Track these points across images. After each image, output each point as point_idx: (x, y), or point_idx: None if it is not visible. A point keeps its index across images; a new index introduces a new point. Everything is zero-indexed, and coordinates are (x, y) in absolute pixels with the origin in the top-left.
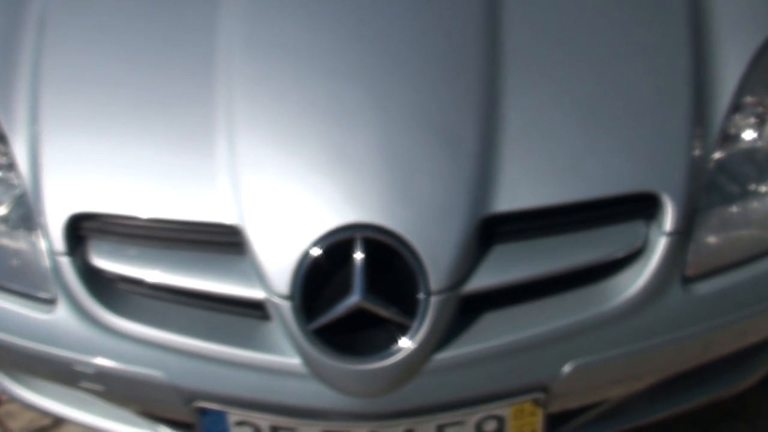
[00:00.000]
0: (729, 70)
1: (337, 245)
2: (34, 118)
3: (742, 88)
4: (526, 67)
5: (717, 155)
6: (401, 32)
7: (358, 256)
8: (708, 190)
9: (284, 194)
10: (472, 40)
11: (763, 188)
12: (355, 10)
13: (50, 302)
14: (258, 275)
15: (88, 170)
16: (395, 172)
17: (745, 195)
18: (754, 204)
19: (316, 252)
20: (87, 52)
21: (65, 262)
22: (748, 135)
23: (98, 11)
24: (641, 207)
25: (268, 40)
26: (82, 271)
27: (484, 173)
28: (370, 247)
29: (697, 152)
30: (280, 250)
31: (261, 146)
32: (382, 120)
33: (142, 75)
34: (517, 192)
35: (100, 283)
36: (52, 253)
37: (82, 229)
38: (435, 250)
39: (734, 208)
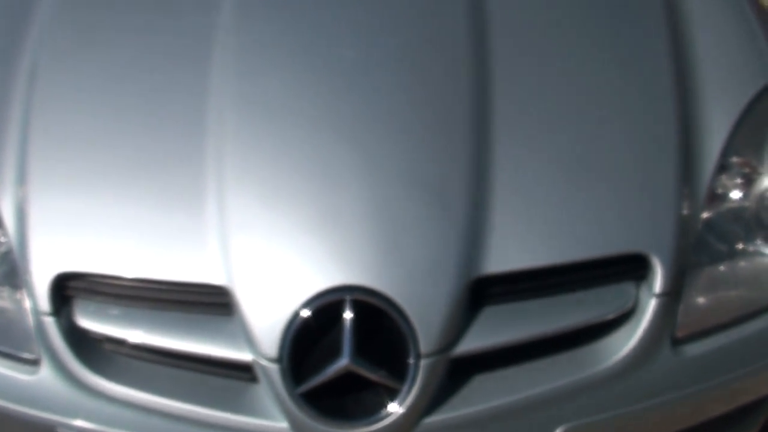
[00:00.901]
0: (715, 130)
1: (326, 307)
2: (22, 176)
3: (728, 149)
4: (514, 127)
5: (705, 215)
6: (390, 90)
7: (347, 318)
8: (697, 250)
9: (273, 255)
10: (461, 98)
11: (750, 248)
12: (345, 68)
13: (34, 363)
14: (246, 337)
15: (75, 229)
16: (384, 233)
17: (733, 255)
18: (743, 264)
19: (305, 314)
20: (77, 109)
21: (50, 322)
22: (735, 195)
23: (90, 66)
24: (631, 268)
25: (257, 99)
26: (67, 331)
27: (473, 234)
28: (360, 309)
29: (685, 212)
30: (269, 311)
31: (250, 206)
32: (371, 180)
33: (132, 133)
34: (507, 253)
35: (85, 344)
36: (37, 313)
37: (68, 289)
38: (425, 313)
39: (723, 268)
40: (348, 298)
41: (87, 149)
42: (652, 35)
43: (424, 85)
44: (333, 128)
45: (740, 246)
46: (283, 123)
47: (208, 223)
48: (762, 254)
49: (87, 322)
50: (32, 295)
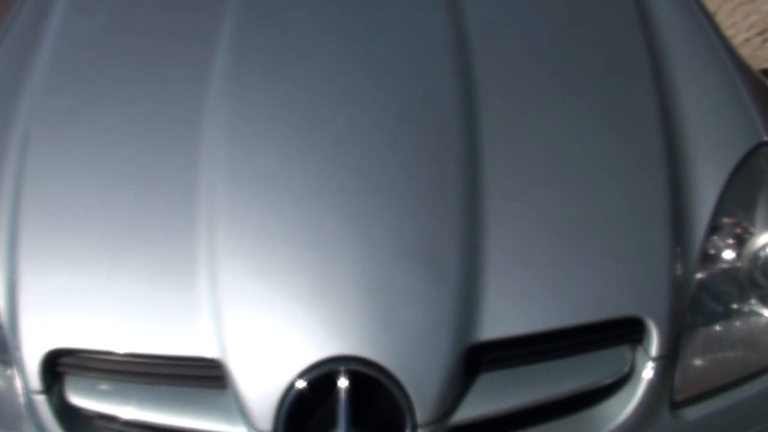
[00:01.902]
0: (705, 191)
1: (320, 379)
2: (13, 251)
3: (719, 210)
4: (506, 191)
5: (698, 276)
6: (381, 157)
7: (342, 389)
8: (692, 312)
9: (266, 327)
10: (452, 163)
11: (745, 308)
12: (336, 136)
13: None
14: (240, 410)
15: (66, 306)
16: (378, 302)
17: (728, 316)
18: (738, 324)
19: (300, 386)
20: (68, 183)
21: (41, 400)
22: (728, 255)
23: (81, 139)
24: (626, 332)
25: (249, 169)
26: (58, 409)
27: (467, 301)
28: (355, 379)
29: (679, 274)
30: (263, 384)
31: (243, 278)
32: (363, 249)
33: (123, 207)
34: (502, 319)
35: (76, 422)
36: (28, 391)
37: (59, 366)
38: (421, 382)
39: (719, 330)
40: (343, 368)
41: (78, 224)
42: (641, 96)
43: (415, 151)
44: (324, 198)
45: (735, 307)
46: (274, 194)
47: (200, 296)
48: (757, 314)
49: (78, 399)
50: (23, 373)
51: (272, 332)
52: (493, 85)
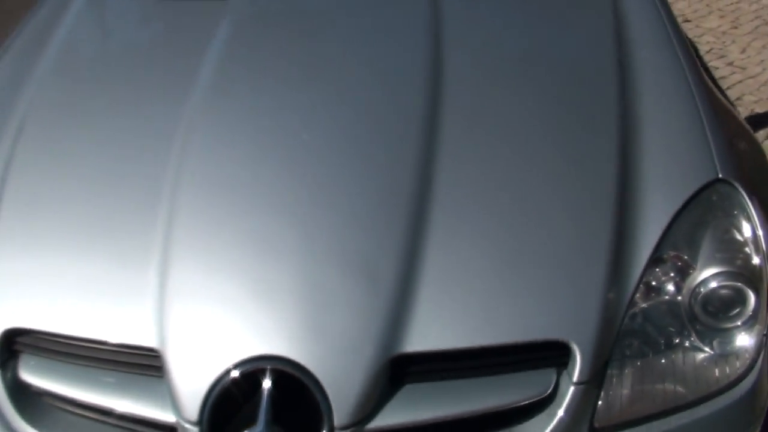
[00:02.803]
0: (652, 223)
1: (247, 375)
2: None
3: (664, 243)
4: (453, 211)
5: (634, 308)
6: (337, 172)
7: (265, 387)
8: (622, 342)
9: (203, 323)
10: (404, 184)
11: (681, 342)
12: (298, 149)
13: None
14: (172, 399)
15: (28, 289)
16: (310, 307)
17: (664, 348)
18: (672, 357)
19: (226, 381)
20: (49, 176)
21: None
22: (667, 289)
23: (67, 137)
24: (552, 355)
25: (211, 174)
26: (10, 385)
27: (397, 313)
28: (280, 379)
29: (612, 304)
30: (193, 376)
31: (189, 275)
32: (304, 256)
33: (93, 201)
34: (429, 333)
35: (26, 398)
36: None
37: (16, 344)
38: (341, 386)
39: (651, 361)
40: (268, 367)
41: (50, 213)
42: (602, 129)
43: (371, 168)
44: (276, 205)
45: (672, 340)
46: (230, 199)
47: (149, 288)
48: (692, 349)
49: (29, 377)
50: None
51: (208, 328)
52: (458, 111)
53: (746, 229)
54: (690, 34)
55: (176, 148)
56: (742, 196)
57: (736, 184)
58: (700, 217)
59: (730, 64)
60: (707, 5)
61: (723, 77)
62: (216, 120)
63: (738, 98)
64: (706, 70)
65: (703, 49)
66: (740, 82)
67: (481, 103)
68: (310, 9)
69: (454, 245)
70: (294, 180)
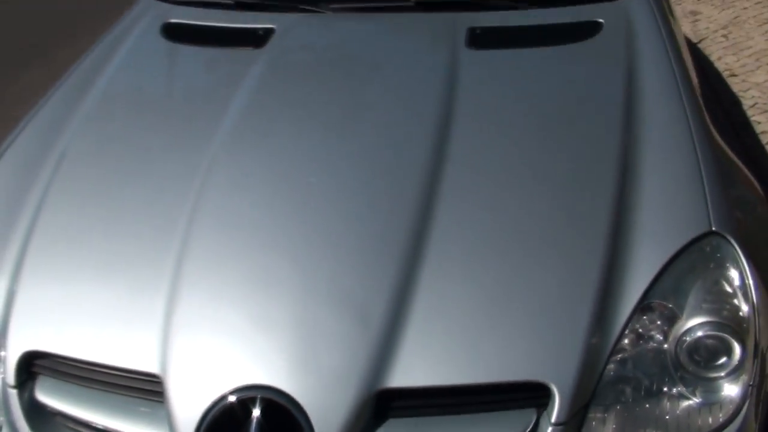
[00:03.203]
0: (642, 271)
1: (238, 403)
2: (18, 267)
3: (652, 291)
4: (445, 256)
5: (619, 353)
6: (338, 215)
7: (255, 415)
8: (605, 387)
9: (203, 352)
10: (401, 228)
11: (666, 389)
12: (305, 193)
13: None
14: (169, 424)
15: (48, 314)
16: (302, 342)
17: (642, 395)
18: (655, 403)
19: (220, 407)
20: (77, 213)
21: (13, 394)
22: (654, 336)
23: (97, 175)
24: (533, 395)
25: (223, 215)
26: (26, 404)
27: (385, 349)
28: (269, 408)
29: (595, 348)
30: (190, 402)
31: (193, 308)
32: (301, 293)
33: (114, 237)
34: (413, 370)
35: (41, 417)
36: (5, 384)
37: (34, 366)
38: (326, 417)
39: (630, 407)
40: (258, 396)
41: (75, 247)
42: (600, 175)
43: (370, 215)
44: (279, 246)
45: (655, 386)
46: (238, 239)
47: (156, 318)
48: (676, 397)
49: (44, 397)
50: (4, 368)
51: (206, 358)
52: (461, 163)
53: (736, 281)
54: (735, 89)
55: (194, 190)
56: (735, 249)
57: (729, 237)
58: (690, 268)
59: None
60: (757, 60)
61: (764, 132)
62: (233, 164)
63: None
64: (747, 125)
65: (747, 103)
66: None
67: (484, 155)
68: (333, 61)
69: (443, 287)
70: (298, 222)
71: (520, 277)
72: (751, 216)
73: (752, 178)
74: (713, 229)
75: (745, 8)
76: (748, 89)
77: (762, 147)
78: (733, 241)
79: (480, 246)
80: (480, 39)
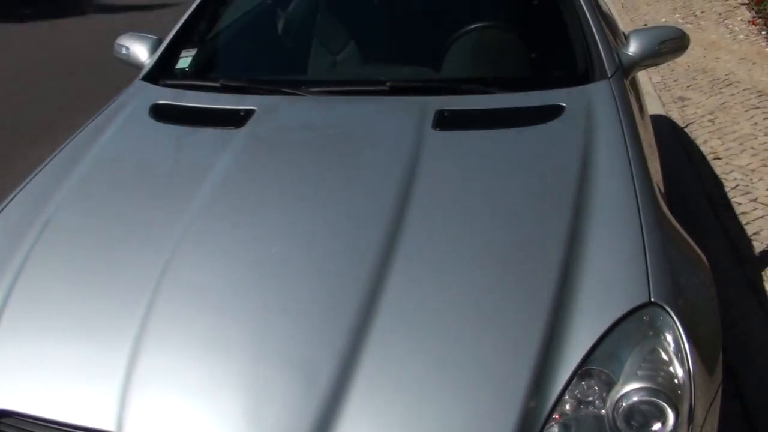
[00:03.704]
0: (582, 339)
1: None
2: None
3: (591, 358)
4: (392, 324)
5: (558, 417)
6: (295, 282)
7: None
8: None
9: (157, 412)
10: (352, 296)
11: None
12: (264, 261)
13: None
14: None
15: (17, 375)
16: (251, 401)
17: None
18: None
19: None
20: (55, 274)
21: None
22: (591, 402)
23: (79, 240)
24: None
25: (187, 283)
26: None
27: (329, 411)
28: None
29: (533, 412)
30: None
31: (153, 369)
32: (254, 355)
33: (86, 303)
34: (357, 430)
35: None
36: None
37: (1, 424)
38: None
39: None
40: None
41: (48, 312)
42: (548, 250)
43: (324, 284)
44: (236, 311)
45: None
46: (199, 304)
47: (117, 378)
48: None
49: None
50: None
51: (161, 416)
52: (414, 237)
53: (672, 350)
54: (718, 171)
55: (163, 260)
56: (672, 319)
57: (667, 308)
58: (627, 336)
59: (754, 200)
60: (741, 143)
61: (744, 212)
62: (201, 237)
63: (756, 233)
64: (728, 206)
65: (729, 185)
66: (761, 217)
67: (437, 231)
68: (305, 140)
69: (389, 353)
70: (256, 288)
71: (463, 343)
72: (693, 288)
73: (700, 253)
74: (652, 299)
75: (733, 95)
76: (731, 171)
77: (741, 227)
78: (671, 312)
79: (425, 314)
80: (447, 121)
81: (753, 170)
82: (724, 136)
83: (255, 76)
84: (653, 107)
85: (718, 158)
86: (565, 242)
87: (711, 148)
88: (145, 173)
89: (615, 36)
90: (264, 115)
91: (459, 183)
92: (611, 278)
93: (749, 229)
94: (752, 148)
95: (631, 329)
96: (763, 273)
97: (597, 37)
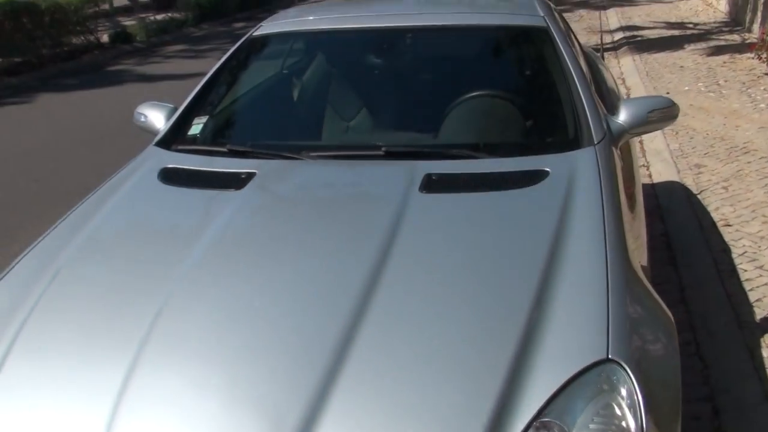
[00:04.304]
0: (539, 391)
1: None
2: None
3: (546, 411)
4: (358, 376)
5: None
6: (272, 334)
7: None
8: None
9: None
10: (322, 349)
11: None
12: (245, 313)
13: None
14: None
15: (14, 402)
16: None
17: None
18: None
19: None
20: (57, 322)
21: None
22: None
23: (82, 291)
24: None
25: (174, 334)
26: None
27: None
28: None
29: None
30: None
31: (133, 416)
32: (227, 399)
33: (81, 347)
34: None
35: None
36: None
37: None
38: None
39: None
40: None
41: (47, 355)
42: (513, 306)
43: (297, 336)
44: (213, 357)
45: None
46: (181, 353)
47: (101, 422)
48: None
49: None
50: None
51: None
52: (388, 293)
53: (625, 405)
54: (727, 238)
55: (154, 311)
56: (628, 375)
57: (624, 364)
58: (583, 391)
59: (760, 267)
60: (753, 211)
61: (749, 279)
62: (191, 289)
63: (759, 299)
64: (733, 272)
65: (736, 252)
66: (766, 284)
67: (410, 288)
68: (297, 201)
69: (354, 402)
70: (236, 338)
71: (423, 391)
72: (654, 347)
73: (667, 314)
74: (610, 356)
75: (749, 162)
76: (740, 238)
77: (745, 293)
78: (627, 368)
79: (390, 366)
80: (434, 184)
81: (762, 237)
82: (736, 204)
83: (259, 141)
84: (668, 174)
85: (729, 225)
86: (532, 300)
87: (722, 215)
88: (148, 231)
89: (613, 102)
90: (263, 178)
91: (437, 243)
92: (572, 335)
93: (752, 296)
94: (763, 215)
95: (587, 384)
96: (762, 339)
97: (586, 105)
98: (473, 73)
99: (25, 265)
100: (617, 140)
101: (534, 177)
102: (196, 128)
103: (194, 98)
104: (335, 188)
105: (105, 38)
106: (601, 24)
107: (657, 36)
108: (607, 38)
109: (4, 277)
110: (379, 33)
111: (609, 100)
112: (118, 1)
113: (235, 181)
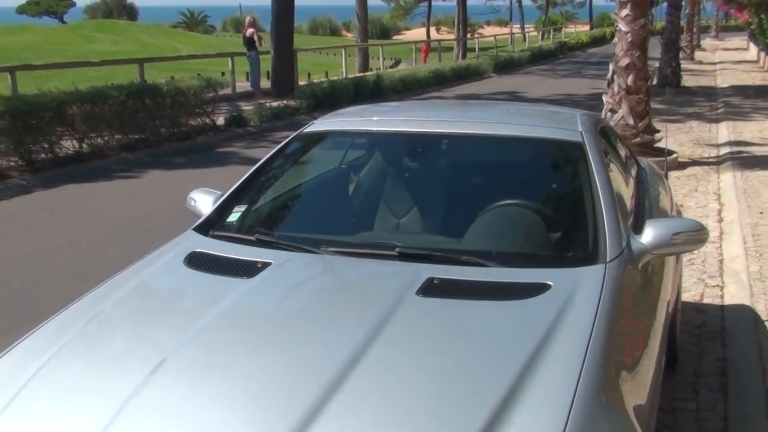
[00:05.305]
0: None
1: None
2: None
3: None
4: None
5: None
6: (239, 414)
7: None
8: None
9: None
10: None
11: None
12: (212, 393)
13: None
14: None
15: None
16: None
17: None
18: None
19: None
20: (63, 376)
21: None
22: None
23: (83, 356)
24: None
25: (149, 406)
26: None
27: None
28: None
29: None
30: None
31: None
32: None
33: (67, 402)
34: None
35: None
36: None
37: None
38: None
39: None
40: None
41: (53, 398)
42: (471, 416)
43: (260, 419)
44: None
45: None
46: (158, 426)
47: None
48: None
49: None
50: None
51: None
52: (355, 390)
53: None
54: None
55: (139, 378)
56: None
57: None
58: None
59: None
60: None
61: None
62: (174, 368)
63: None
64: None
65: None
66: None
67: (372, 390)
68: (298, 294)
69: None
70: (200, 415)
71: None
72: None
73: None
74: None
75: None
76: None
77: None
78: None
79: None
80: (433, 288)
81: None
82: None
83: (284, 233)
84: (741, 297)
85: None
86: (488, 417)
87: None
88: (159, 307)
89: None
90: (275, 269)
91: (411, 349)
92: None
93: None
94: None
95: None
96: None
97: (606, 222)
98: (504, 182)
99: (36, 339)
100: (636, 260)
101: (533, 290)
102: (234, 216)
103: (237, 188)
104: (337, 284)
105: (221, 121)
106: (666, 142)
107: (763, 154)
108: (713, 152)
109: (22, 341)
110: (416, 138)
111: (642, 218)
112: (242, 87)
113: (251, 270)
